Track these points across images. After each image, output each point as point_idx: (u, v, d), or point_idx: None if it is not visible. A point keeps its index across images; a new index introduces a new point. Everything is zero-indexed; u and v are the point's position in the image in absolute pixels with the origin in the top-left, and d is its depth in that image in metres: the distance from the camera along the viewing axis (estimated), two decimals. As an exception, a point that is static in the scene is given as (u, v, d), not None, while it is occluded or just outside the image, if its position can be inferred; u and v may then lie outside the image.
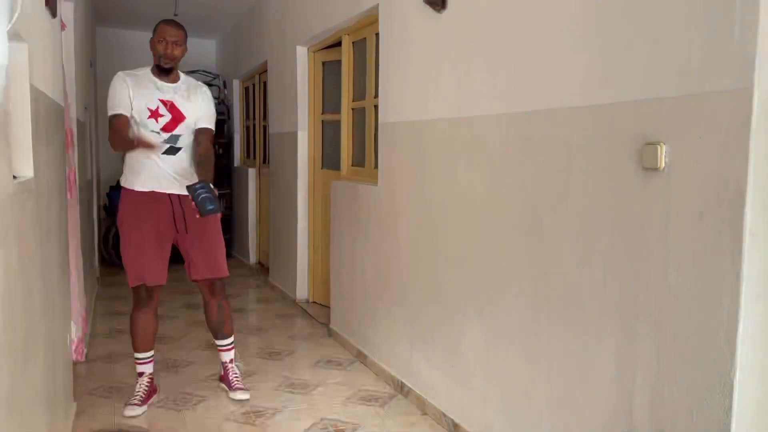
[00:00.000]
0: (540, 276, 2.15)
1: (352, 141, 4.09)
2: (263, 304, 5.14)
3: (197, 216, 2.59)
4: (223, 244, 3.10)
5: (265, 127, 6.14)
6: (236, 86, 7.29)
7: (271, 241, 5.73)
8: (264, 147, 6.31)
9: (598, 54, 1.87)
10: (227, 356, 3.18)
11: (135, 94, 2.85)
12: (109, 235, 6.21)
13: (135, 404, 2.91)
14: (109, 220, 6.38)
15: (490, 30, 2.41)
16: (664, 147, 1.64)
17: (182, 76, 3.02)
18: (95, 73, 6.61)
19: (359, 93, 3.95)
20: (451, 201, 2.70)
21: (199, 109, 2.96)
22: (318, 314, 4.57)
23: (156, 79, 2.92)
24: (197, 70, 6.78)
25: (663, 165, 1.64)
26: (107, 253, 6.22)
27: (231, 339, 3.19)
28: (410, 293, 3.07)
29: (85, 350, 3.64)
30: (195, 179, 2.81)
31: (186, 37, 2.94)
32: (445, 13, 2.68)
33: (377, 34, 3.46)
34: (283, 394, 3.16)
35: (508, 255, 2.32)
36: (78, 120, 3.95)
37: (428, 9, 2.78)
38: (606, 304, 1.86)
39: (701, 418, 1.55)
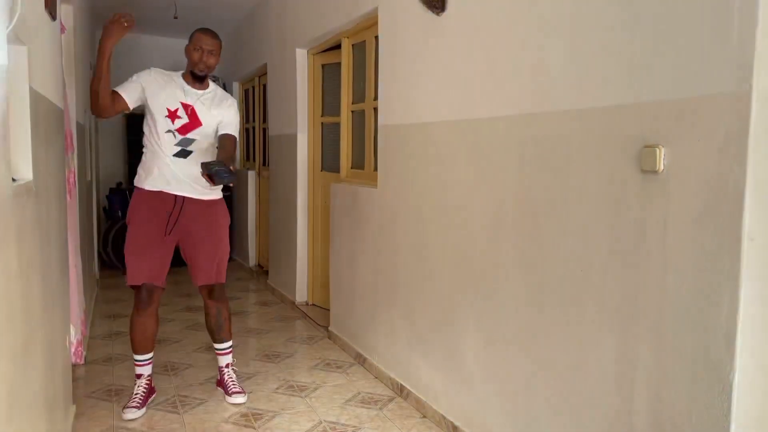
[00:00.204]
0: (539, 278, 2.15)
1: (351, 143, 4.10)
2: (263, 307, 5.14)
3: (210, 184, 2.57)
4: (225, 250, 3.11)
5: (264, 130, 6.15)
6: (236, 88, 7.30)
7: (271, 243, 5.73)
8: (263, 149, 6.32)
9: (597, 57, 1.88)
10: (224, 360, 3.18)
11: (156, 91, 2.91)
12: (108, 237, 6.21)
13: (134, 407, 2.91)
14: (109, 222, 6.39)
15: (489, 33, 2.41)
16: (662, 149, 1.64)
17: (212, 85, 3.07)
18: (95, 76, 6.61)
19: (359, 95, 3.95)
20: (451, 204, 2.70)
21: (222, 117, 3.00)
22: (317, 317, 4.56)
23: (185, 83, 2.98)
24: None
25: (662, 167, 1.65)
26: (106, 256, 6.21)
27: (229, 343, 3.19)
28: (410, 296, 3.07)
29: (84, 352, 3.64)
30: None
31: (221, 46, 3.00)
32: (444, 15, 2.69)
33: (377, 37, 3.47)
34: (282, 396, 3.16)
35: (508, 257, 2.32)
36: (78, 122, 3.95)
37: (427, 12, 2.78)
38: (605, 306, 1.86)
39: (700, 420, 1.55)
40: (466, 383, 2.61)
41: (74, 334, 3.43)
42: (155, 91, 2.91)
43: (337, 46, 4.23)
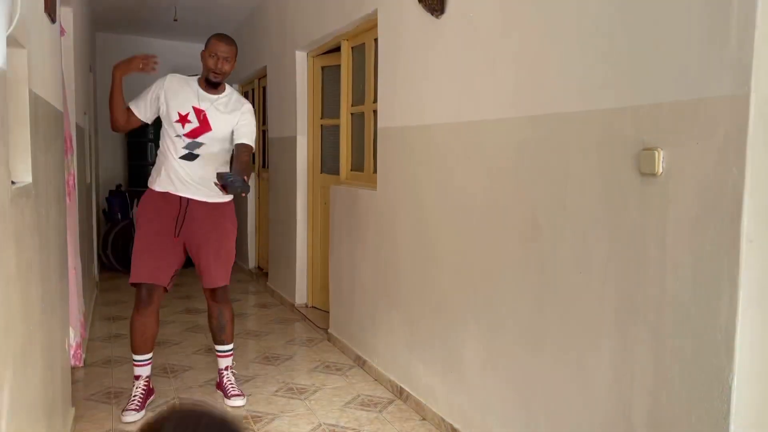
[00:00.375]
0: (538, 281, 2.15)
1: (351, 146, 4.10)
2: (262, 309, 5.14)
3: (224, 194, 2.62)
4: (229, 253, 3.12)
5: (264, 132, 6.15)
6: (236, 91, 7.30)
7: (271, 245, 5.73)
8: (263, 151, 6.32)
9: (596, 59, 1.88)
10: (224, 363, 3.18)
11: (170, 97, 2.98)
12: (108, 239, 6.21)
13: (132, 409, 2.90)
14: (109, 224, 6.39)
15: (488, 35, 2.42)
16: (661, 152, 1.64)
17: (228, 89, 3.10)
18: (95, 79, 6.62)
19: (358, 98, 3.95)
20: (450, 206, 2.70)
21: (236, 124, 3.03)
22: (317, 319, 4.56)
23: (199, 89, 3.03)
24: (197, 75, 6.79)
25: (660, 170, 1.65)
26: (106, 258, 6.21)
27: (230, 346, 3.19)
28: (409, 298, 3.07)
29: (83, 355, 3.64)
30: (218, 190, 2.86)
31: (236, 52, 3.03)
32: (444, 18, 2.69)
33: (376, 39, 3.47)
34: (282, 399, 3.16)
35: (507, 260, 2.32)
36: (77, 125, 3.95)
37: (427, 14, 2.78)
38: (604, 309, 1.86)
39: (699, 422, 1.55)
40: (466, 385, 2.60)
41: (73, 337, 3.43)
42: (170, 97, 2.98)
43: (337, 49, 4.23)
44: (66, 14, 3.61)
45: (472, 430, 2.56)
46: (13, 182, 1.68)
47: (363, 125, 3.85)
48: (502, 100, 2.34)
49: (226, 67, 2.98)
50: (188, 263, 3.12)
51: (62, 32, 3.25)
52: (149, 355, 3.04)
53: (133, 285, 3.01)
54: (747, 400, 1.48)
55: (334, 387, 3.33)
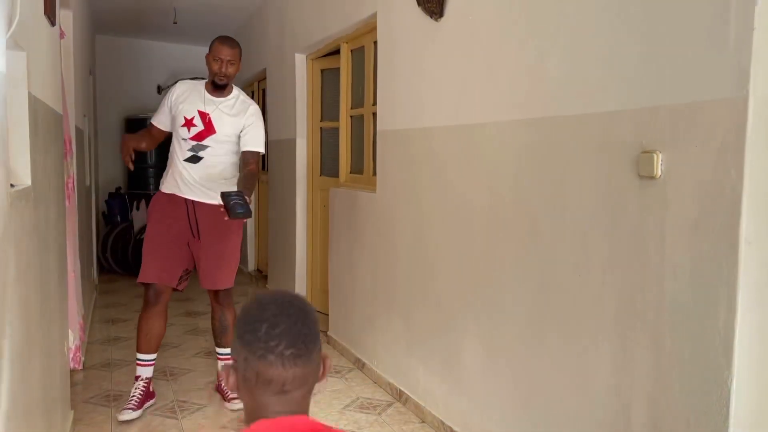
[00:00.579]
0: (538, 284, 2.15)
1: (350, 148, 4.10)
2: (262, 312, 5.12)
3: (225, 218, 2.62)
4: (233, 256, 3.15)
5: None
6: (235, 94, 7.30)
7: (270, 248, 5.73)
8: (263, 155, 6.32)
9: (595, 63, 1.88)
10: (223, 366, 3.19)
11: (179, 103, 3.05)
12: (107, 242, 6.21)
13: (129, 408, 2.90)
14: (108, 227, 6.38)
15: (487, 38, 2.42)
16: (660, 155, 1.65)
17: (235, 90, 3.13)
18: (94, 81, 6.63)
19: (357, 100, 3.96)
20: (449, 208, 2.70)
21: (243, 127, 3.07)
22: (316, 321, 4.55)
23: (206, 92, 3.07)
24: (196, 77, 6.81)
25: (659, 173, 1.65)
26: (105, 261, 6.21)
27: (230, 349, 3.19)
28: (408, 301, 3.07)
29: (82, 358, 3.63)
30: (231, 189, 2.93)
31: (241, 54, 3.06)
32: (443, 21, 2.70)
33: (375, 42, 3.48)
34: (281, 401, 3.15)
35: (506, 263, 2.32)
36: (77, 127, 3.95)
37: (426, 17, 2.79)
38: (603, 312, 1.86)
39: (699, 425, 1.55)
40: (465, 388, 2.60)
41: (73, 340, 3.43)
42: (178, 103, 3.06)
43: (336, 52, 4.24)
44: (66, 17, 3.62)
45: (471, 433, 2.56)
46: (12, 185, 1.68)
47: (362, 128, 3.85)
48: (500, 103, 2.35)
49: (231, 70, 3.00)
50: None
51: (62, 35, 3.26)
52: (152, 356, 3.05)
53: (141, 284, 3.06)
54: (746, 403, 1.48)
55: (333, 390, 3.32)
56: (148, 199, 4.89)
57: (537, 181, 2.15)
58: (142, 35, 7.33)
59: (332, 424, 2.55)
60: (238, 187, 2.92)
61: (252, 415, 1.04)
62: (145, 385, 3.02)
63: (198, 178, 3.02)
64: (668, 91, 1.63)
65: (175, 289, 3.09)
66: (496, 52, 2.36)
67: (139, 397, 2.97)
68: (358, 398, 3.21)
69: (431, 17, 2.74)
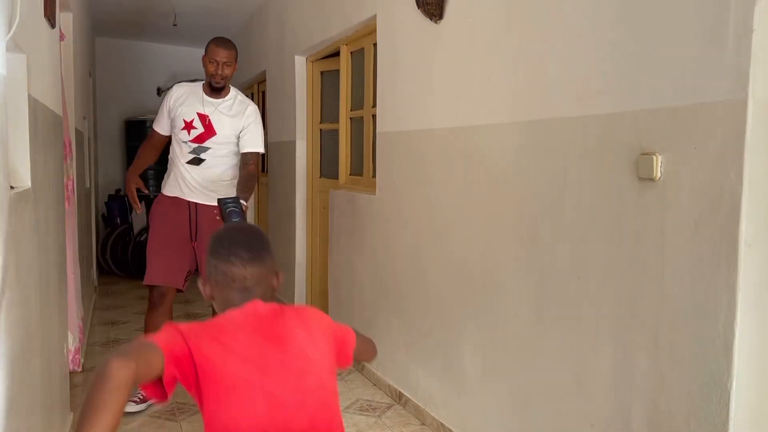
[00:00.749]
0: (537, 286, 2.15)
1: (350, 150, 4.10)
2: (261, 314, 5.12)
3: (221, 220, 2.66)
4: None
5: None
6: (235, 96, 7.31)
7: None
8: (263, 156, 6.32)
9: (594, 64, 1.89)
10: None
11: (177, 106, 3.07)
12: (107, 243, 6.21)
13: (133, 401, 2.97)
14: (108, 229, 6.38)
15: (487, 40, 2.42)
16: (659, 157, 1.65)
17: (232, 91, 3.16)
18: (94, 83, 6.63)
19: (357, 102, 3.96)
20: (449, 210, 2.70)
21: (242, 128, 3.09)
22: (316, 323, 4.55)
23: (204, 94, 3.09)
24: (196, 79, 6.81)
25: (659, 175, 1.65)
26: (105, 263, 6.20)
27: None
28: (408, 303, 3.07)
29: (82, 360, 3.63)
30: (230, 193, 2.95)
31: (237, 55, 3.08)
32: (442, 23, 2.70)
33: (375, 44, 3.48)
34: (281, 404, 3.15)
35: (506, 265, 2.32)
36: (76, 129, 3.95)
37: (426, 19, 2.79)
38: (602, 313, 1.86)
39: (699, 428, 1.55)
40: (465, 390, 2.60)
41: (72, 342, 3.42)
42: (177, 106, 3.08)
43: (336, 54, 4.24)
44: (66, 19, 3.62)
45: (471, 435, 2.56)
46: (12, 187, 1.68)
47: (362, 130, 3.85)
48: (500, 105, 2.35)
49: (227, 72, 3.02)
50: None
51: (62, 37, 3.26)
52: None
53: (146, 286, 3.09)
54: (746, 405, 1.48)
55: (333, 392, 3.32)
56: (147, 200, 4.90)
57: (536, 183, 2.15)
58: (142, 37, 7.34)
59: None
60: (236, 191, 2.94)
61: (223, 311, 1.38)
62: None
63: (200, 180, 3.04)
64: (668, 93, 1.63)
65: (178, 290, 3.11)
66: (496, 54, 2.37)
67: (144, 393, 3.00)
68: (357, 400, 3.21)
69: (431, 19, 2.75)
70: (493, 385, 2.41)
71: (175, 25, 6.00)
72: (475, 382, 2.53)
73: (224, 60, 2.99)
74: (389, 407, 3.12)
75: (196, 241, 3.07)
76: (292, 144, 4.93)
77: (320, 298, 4.71)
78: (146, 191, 3.20)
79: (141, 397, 2.98)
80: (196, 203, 3.05)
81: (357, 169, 3.99)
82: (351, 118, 4.06)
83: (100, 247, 6.22)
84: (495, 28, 2.37)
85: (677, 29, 1.61)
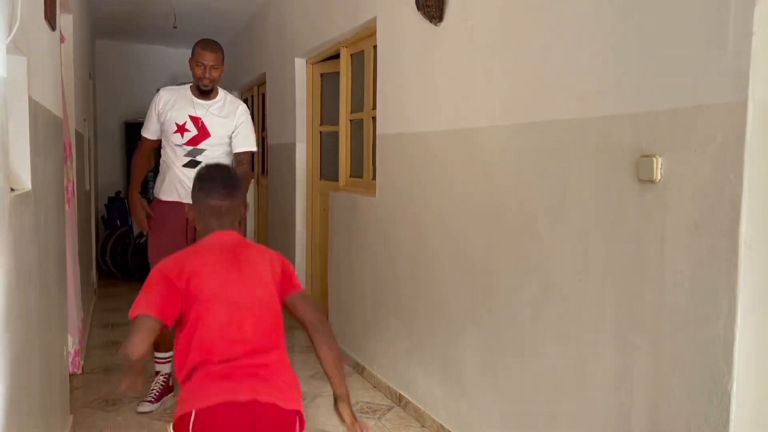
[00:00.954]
0: (538, 288, 2.15)
1: (350, 152, 4.11)
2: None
3: None
4: None
5: (263, 139, 6.16)
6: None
7: (270, 252, 5.71)
8: (263, 158, 6.33)
9: (594, 66, 1.89)
10: None
11: (167, 110, 3.05)
12: (107, 246, 6.20)
13: (148, 401, 3.04)
14: (108, 231, 6.38)
15: (487, 42, 2.42)
16: (659, 159, 1.65)
17: (221, 92, 3.16)
18: (94, 86, 6.63)
19: (357, 105, 3.96)
20: (449, 212, 2.70)
21: (234, 127, 3.10)
22: (316, 326, 4.54)
23: (193, 97, 3.09)
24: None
25: (659, 177, 1.65)
26: (105, 265, 6.20)
27: None
28: (408, 305, 3.06)
29: (81, 362, 3.63)
30: None
31: (223, 56, 3.08)
32: (442, 25, 2.70)
33: (375, 47, 3.48)
34: (281, 406, 3.15)
35: (506, 267, 2.32)
36: (77, 132, 3.96)
37: (426, 22, 2.79)
38: (603, 315, 1.86)
39: (699, 430, 1.55)
40: (465, 392, 2.60)
41: (72, 344, 3.42)
42: (166, 110, 3.07)
43: (336, 56, 4.24)
44: (66, 21, 3.62)
45: (471, 437, 2.56)
46: (12, 189, 1.68)
47: (362, 132, 3.85)
48: (500, 107, 2.35)
49: (215, 74, 3.03)
50: None
51: (62, 39, 3.26)
52: (169, 354, 3.11)
53: None
54: (746, 407, 1.48)
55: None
56: (147, 201, 4.89)
57: (537, 185, 2.15)
58: (142, 39, 7.35)
59: (330, 429, 2.56)
60: None
61: (203, 235, 1.81)
62: (165, 380, 3.15)
63: None
64: (668, 95, 1.63)
65: None
66: (496, 56, 2.37)
67: (159, 391, 3.09)
68: (358, 402, 3.20)
69: (431, 22, 2.75)
70: (494, 387, 2.41)
71: (175, 27, 6.00)
72: (476, 383, 2.53)
73: (212, 63, 2.99)
74: (389, 409, 3.11)
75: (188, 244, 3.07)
76: (292, 146, 4.93)
77: (320, 300, 4.71)
78: (152, 214, 3.16)
79: (155, 397, 3.05)
80: None
81: (357, 172, 3.99)
82: (351, 121, 4.06)
83: (100, 249, 6.21)
84: (495, 30, 2.37)
85: (677, 31, 1.61)
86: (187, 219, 3.07)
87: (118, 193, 7.05)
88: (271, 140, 5.63)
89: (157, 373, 3.15)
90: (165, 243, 3.03)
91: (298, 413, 1.67)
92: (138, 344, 1.56)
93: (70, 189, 3.41)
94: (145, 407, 3.03)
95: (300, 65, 4.82)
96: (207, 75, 3.00)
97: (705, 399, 1.53)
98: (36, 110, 2.01)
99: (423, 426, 2.90)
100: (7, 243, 1.49)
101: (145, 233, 3.21)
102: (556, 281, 2.06)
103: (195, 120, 3.04)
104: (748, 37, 1.42)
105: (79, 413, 3.00)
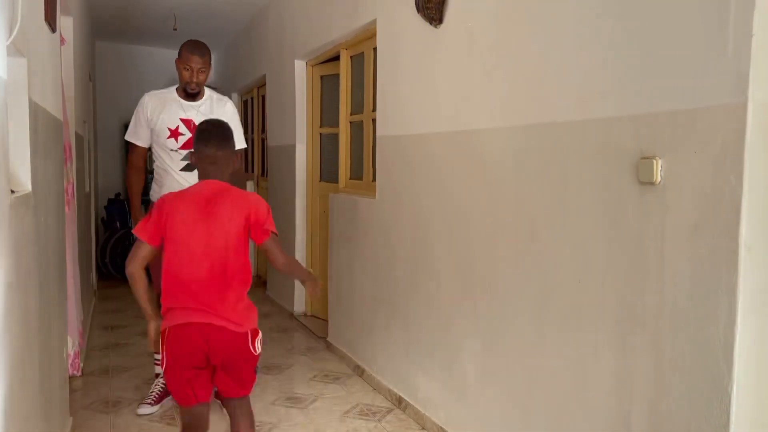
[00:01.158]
0: (538, 289, 2.15)
1: (350, 154, 4.11)
2: (260, 318, 5.06)
3: None
4: None
5: (263, 140, 6.16)
6: (235, 100, 7.31)
7: (269, 254, 5.71)
8: (262, 160, 6.33)
9: (594, 69, 1.89)
10: None
11: (156, 116, 3.01)
12: (106, 248, 6.20)
13: (147, 403, 3.03)
14: (107, 233, 6.38)
15: (486, 44, 2.43)
16: (659, 161, 1.65)
17: (207, 92, 3.14)
18: (94, 88, 6.64)
19: (357, 106, 3.97)
20: (449, 214, 2.70)
21: None
22: (316, 328, 4.55)
23: (181, 100, 3.06)
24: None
25: (659, 179, 1.65)
26: (104, 267, 6.20)
27: None
28: (408, 306, 3.06)
29: (81, 364, 3.62)
30: None
31: (210, 59, 3.05)
32: (442, 27, 2.71)
33: (375, 49, 3.49)
34: (281, 408, 3.14)
35: (506, 268, 2.32)
36: (76, 133, 3.96)
37: (425, 24, 2.80)
38: (603, 317, 1.86)
39: (699, 431, 1.55)
40: (465, 395, 2.60)
41: (72, 346, 3.42)
42: (155, 115, 3.02)
43: (336, 58, 4.25)
44: (66, 23, 3.63)
45: (471, 439, 2.56)
46: (12, 191, 1.68)
47: (362, 134, 3.86)
48: (500, 109, 2.35)
49: (202, 78, 3.01)
50: None
51: (62, 41, 3.26)
52: None
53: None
54: (747, 408, 1.48)
55: (333, 396, 3.32)
56: (148, 205, 4.89)
57: (537, 187, 2.16)
58: (142, 41, 7.35)
59: (332, 431, 2.56)
60: None
61: (201, 179, 2.11)
62: (164, 382, 3.08)
63: None
64: (667, 97, 1.63)
65: None
66: (495, 58, 2.37)
67: (158, 393, 3.08)
68: (357, 404, 3.20)
69: (431, 23, 2.75)
70: (494, 388, 2.41)
71: (175, 29, 6.00)
72: (476, 385, 2.53)
73: (199, 66, 2.97)
74: (389, 411, 3.11)
75: None
76: (292, 148, 4.93)
77: (320, 302, 4.71)
78: None
79: (154, 399, 3.04)
80: None
81: (357, 173, 4.00)
82: (351, 122, 4.06)
83: (100, 251, 6.21)
84: (495, 32, 2.38)
85: (677, 33, 1.61)
86: None
87: (117, 194, 7.05)
88: (271, 142, 5.63)
89: (158, 375, 3.13)
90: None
91: (251, 331, 2.09)
92: (135, 266, 2.05)
93: (70, 191, 3.41)
94: (145, 409, 3.02)
95: (300, 67, 4.82)
96: (194, 79, 2.97)
97: (705, 400, 1.53)
98: (36, 112, 2.01)
99: (423, 428, 2.89)
100: (7, 244, 1.49)
101: None
102: (556, 282, 2.06)
103: (187, 123, 3.01)
104: (748, 38, 1.42)
105: (79, 415, 3.00)
